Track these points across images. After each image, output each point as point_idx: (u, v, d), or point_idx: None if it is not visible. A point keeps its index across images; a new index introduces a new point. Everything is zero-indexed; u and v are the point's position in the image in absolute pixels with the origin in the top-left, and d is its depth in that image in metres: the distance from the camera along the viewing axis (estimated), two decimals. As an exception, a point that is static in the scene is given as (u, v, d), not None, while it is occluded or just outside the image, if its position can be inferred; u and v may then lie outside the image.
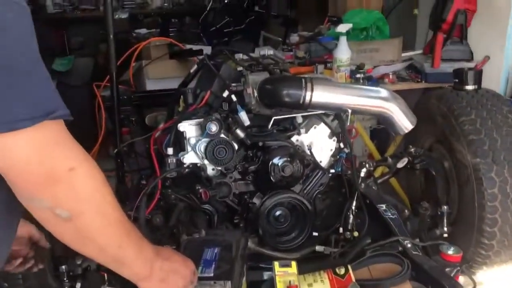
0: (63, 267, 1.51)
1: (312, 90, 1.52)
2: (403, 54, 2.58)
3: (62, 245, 1.70)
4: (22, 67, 0.75)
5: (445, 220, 1.86)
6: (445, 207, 1.86)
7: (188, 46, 3.78)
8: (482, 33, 2.40)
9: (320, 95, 1.54)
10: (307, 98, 1.53)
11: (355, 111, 1.62)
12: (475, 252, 1.75)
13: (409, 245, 1.52)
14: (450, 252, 1.45)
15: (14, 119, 0.73)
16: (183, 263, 1.03)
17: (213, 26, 6.21)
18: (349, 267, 1.39)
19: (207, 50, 3.88)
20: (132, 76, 3.29)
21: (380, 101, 1.60)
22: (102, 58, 5.08)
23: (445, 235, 1.86)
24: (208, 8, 6.30)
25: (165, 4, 6.78)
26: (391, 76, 2.35)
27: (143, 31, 5.30)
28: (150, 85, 3.51)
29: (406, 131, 1.64)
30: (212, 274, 1.09)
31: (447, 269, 1.43)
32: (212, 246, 1.20)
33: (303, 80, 1.54)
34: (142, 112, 2.71)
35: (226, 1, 6.20)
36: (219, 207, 1.70)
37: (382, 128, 2.82)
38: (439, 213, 1.88)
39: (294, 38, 2.91)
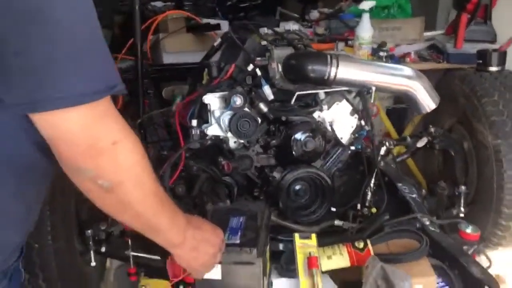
0: (89, 231, 1.56)
1: (337, 66, 1.53)
2: (425, 34, 2.55)
3: (87, 210, 1.76)
4: (91, 42, 0.77)
5: (462, 200, 1.88)
6: (463, 187, 1.88)
7: (205, 20, 3.76)
8: (507, 15, 2.37)
9: (345, 71, 1.54)
10: (332, 74, 1.53)
11: (379, 89, 1.62)
12: (491, 233, 1.77)
13: (427, 223, 1.54)
14: (468, 230, 1.48)
15: (86, 91, 0.75)
16: (213, 232, 1.06)
17: (229, 0, 6.18)
18: (368, 241, 1.42)
19: (225, 24, 3.86)
20: (149, 49, 3.30)
21: (404, 79, 1.60)
22: (118, 30, 5.07)
23: (462, 214, 1.88)
24: (224, -18, 6.25)
25: (181, -23, 6.70)
26: (412, 56, 2.34)
27: (159, 3, 5.26)
28: (167, 59, 3.51)
29: (429, 110, 1.65)
30: (238, 241, 1.12)
31: (464, 247, 1.45)
32: (237, 215, 1.23)
33: (329, 56, 1.54)
34: (159, 85, 2.73)
35: (243, -25, 6.13)
36: (239, 180, 1.73)
37: (398, 108, 2.82)
38: (456, 193, 1.90)
39: (314, 14, 2.89)
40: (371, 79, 1.59)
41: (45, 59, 0.73)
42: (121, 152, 0.83)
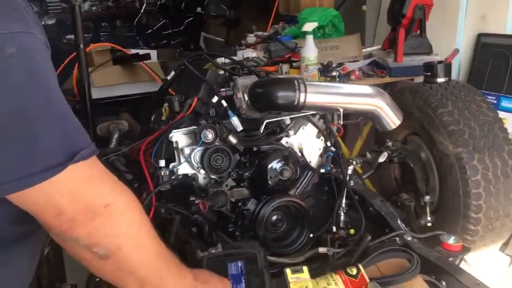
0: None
1: (305, 91, 1.50)
2: (363, 50, 2.63)
3: (46, 273, 1.58)
4: (31, 111, 0.69)
5: (428, 210, 1.93)
6: (427, 197, 1.93)
7: (133, 51, 3.64)
8: (439, 27, 2.50)
9: (313, 96, 1.52)
10: (301, 100, 1.50)
11: (346, 110, 1.61)
12: (461, 238, 1.81)
13: (409, 238, 1.54)
14: (451, 241, 1.50)
15: (29, 173, 0.68)
16: (221, 284, 0.99)
17: (149, 29, 6.05)
18: (361, 266, 1.39)
19: (153, 54, 3.75)
20: (75, 85, 3.12)
21: (369, 98, 1.61)
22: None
23: (429, 224, 1.93)
24: (142, 11, 6.12)
25: (93, 8, 6.49)
26: (357, 73, 2.39)
27: (71, 37, 5.04)
28: (96, 93, 3.33)
29: (395, 127, 1.67)
30: (246, 290, 1.04)
31: (450, 259, 1.47)
32: (234, 260, 1.14)
33: (296, 82, 1.51)
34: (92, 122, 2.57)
35: (160, 3, 6.05)
36: (210, 216, 1.64)
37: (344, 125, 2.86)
38: (422, 203, 1.94)
39: (251, 38, 2.87)
40: (338, 101, 1.58)
41: None
42: (115, 214, 0.75)
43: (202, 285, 0.94)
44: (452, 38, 2.61)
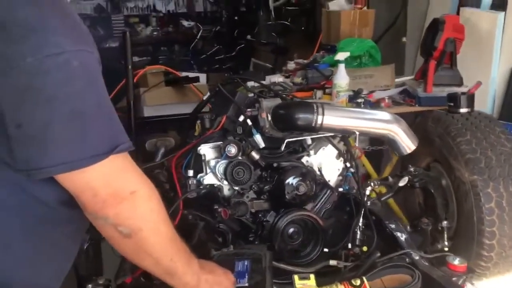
0: (89, 286, 1.58)
1: (323, 114, 1.64)
2: (396, 80, 2.73)
3: (84, 265, 1.78)
4: (86, 111, 0.85)
5: (445, 235, 1.98)
6: (445, 222, 1.99)
7: (184, 74, 3.89)
8: (470, 60, 2.57)
9: (330, 118, 1.66)
10: (319, 122, 1.64)
11: (362, 133, 1.73)
12: (475, 264, 1.86)
13: (416, 257, 1.63)
14: (456, 262, 1.57)
15: (80, 158, 0.84)
16: (224, 276, 1.12)
17: (203, 54, 6.39)
18: (364, 278, 1.49)
19: (202, 77, 4.00)
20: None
21: (385, 123, 1.72)
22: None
23: (446, 248, 1.98)
24: (198, 37, 6.47)
25: (155, 33, 6.90)
26: (386, 100, 2.49)
27: (135, 59, 5.39)
28: (148, 112, 3.59)
29: (410, 151, 1.76)
30: (246, 284, 1.17)
31: (454, 278, 1.54)
32: (242, 259, 1.29)
33: (315, 105, 1.66)
34: (141, 138, 2.80)
35: (215, 30, 6.38)
36: (233, 226, 1.79)
37: (375, 150, 2.95)
38: (439, 228, 2.00)
39: (291, 65, 3.04)
40: (354, 125, 1.70)
41: (42, 131, 0.81)
42: (139, 201, 0.90)
43: (207, 274, 1.08)
44: (487, 70, 2.67)
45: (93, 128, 0.86)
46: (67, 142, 0.83)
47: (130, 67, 2.04)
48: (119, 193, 0.88)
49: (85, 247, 1.77)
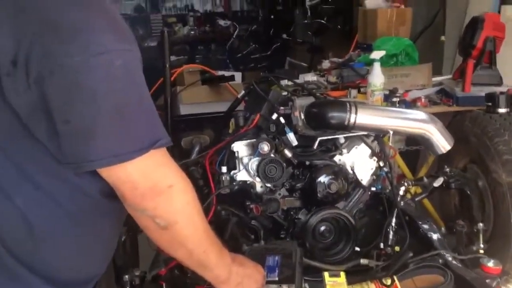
0: (126, 276, 1.64)
1: (356, 113, 1.64)
2: (433, 79, 2.69)
3: (122, 256, 1.84)
4: (129, 107, 0.89)
5: (481, 237, 1.95)
6: (481, 224, 1.95)
7: (220, 73, 3.94)
8: (511, 59, 2.51)
9: (363, 117, 1.65)
10: (352, 121, 1.65)
11: (396, 133, 1.72)
12: (511, 268, 1.82)
13: (450, 258, 1.61)
14: (490, 264, 1.54)
15: (124, 152, 0.88)
16: (255, 269, 1.15)
17: (239, 52, 6.45)
18: (395, 277, 1.48)
19: (238, 76, 4.04)
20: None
21: (419, 123, 1.71)
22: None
23: (482, 251, 1.94)
24: (234, 36, 6.53)
25: (192, 32, 7.01)
26: (423, 100, 2.46)
27: (172, 58, 5.49)
28: (184, 110, 3.66)
29: (445, 151, 1.74)
30: (277, 278, 1.20)
31: (487, 281, 1.51)
32: (272, 254, 1.31)
33: (348, 104, 1.66)
34: (178, 136, 2.86)
35: (251, 29, 6.43)
36: (265, 223, 1.81)
37: (411, 150, 2.91)
38: (475, 230, 1.97)
39: (326, 64, 3.04)
40: (388, 123, 1.70)
41: (89, 126, 0.86)
42: (176, 194, 0.94)
43: (238, 267, 1.11)
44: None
45: (136, 123, 0.90)
46: (111, 137, 0.87)
47: (167, 65, 2.09)
48: (157, 187, 0.92)
49: (122, 239, 1.84)
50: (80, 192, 0.96)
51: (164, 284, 1.59)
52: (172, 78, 3.33)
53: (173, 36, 6.69)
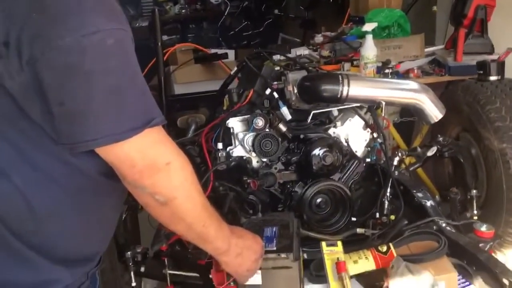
0: (128, 253, 1.67)
1: (348, 85, 1.66)
2: (426, 50, 2.69)
3: (123, 234, 1.87)
4: (123, 86, 0.89)
5: (474, 204, 1.99)
6: (474, 191, 1.98)
7: (213, 51, 3.93)
8: (502, 27, 2.51)
9: (356, 89, 1.67)
10: (344, 93, 1.66)
11: (389, 103, 1.74)
12: (504, 232, 1.87)
13: (444, 225, 1.65)
14: (483, 229, 1.58)
15: (119, 131, 0.89)
16: (254, 240, 1.18)
17: (231, 30, 6.40)
18: (391, 244, 1.52)
19: (231, 53, 4.03)
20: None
21: (411, 93, 1.73)
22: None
23: (475, 217, 1.98)
24: (225, 13, 6.47)
25: (183, 11, 6.92)
26: (416, 71, 2.47)
27: (164, 37, 5.44)
28: (178, 89, 3.66)
29: (437, 120, 1.77)
30: (275, 248, 1.23)
31: (481, 245, 1.56)
32: (270, 225, 1.34)
33: (340, 76, 1.67)
34: (172, 115, 2.87)
35: (243, 6, 6.36)
36: (262, 197, 1.84)
37: (405, 121, 2.94)
38: (468, 197, 2.00)
39: (319, 38, 3.03)
40: (380, 94, 1.72)
41: (83, 107, 0.86)
42: (173, 171, 0.96)
43: (237, 238, 1.14)
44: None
45: (130, 102, 0.90)
46: (106, 117, 0.88)
47: (160, 45, 2.09)
48: (155, 164, 0.94)
49: (123, 217, 1.87)
50: (78, 172, 0.97)
51: (166, 260, 1.62)
52: (165, 58, 3.32)
53: (164, 16, 6.60)
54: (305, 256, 1.58)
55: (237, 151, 1.76)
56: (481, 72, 2.01)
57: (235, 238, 1.13)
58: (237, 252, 1.12)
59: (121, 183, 0.97)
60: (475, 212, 1.98)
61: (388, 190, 1.83)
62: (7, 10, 0.84)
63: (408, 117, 2.73)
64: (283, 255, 1.20)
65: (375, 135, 1.88)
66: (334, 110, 1.83)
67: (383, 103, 1.72)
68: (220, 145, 1.75)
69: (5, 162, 0.94)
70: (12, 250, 0.96)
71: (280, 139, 1.72)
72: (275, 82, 1.79)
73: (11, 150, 0.93)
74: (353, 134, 1.87)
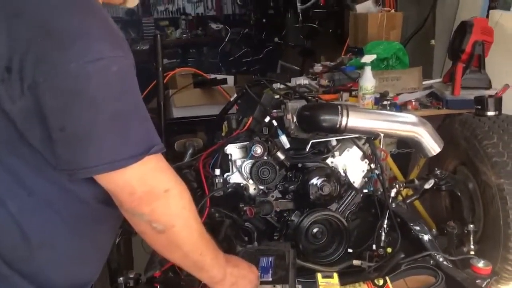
0: (121, 279, 1.64)
1: (348, 116, 1.66)
2: (423, 82, 2.72)
3: (116, 259, 1.84)
4: (125, 113, 0.90)
5: (471, 238, 1.98)
6: (471, 225, 1.98)
7: (212, 76, 3.96)
8: (499, 63, 2.55)
9: (355, 120, 1.68)
10: (343, 123, 1.67)
11: (387, 135, 1.75)
12: (501, 268, 1.85)
13: (441, 259, 1.63)
14: (480, 265, 1.56)
15: (120, 158, 0.89)
16: (249, 269, 1.16)
17: (231, 56, 6.48)
18: (387, 278, 1.50)
19: (230, 79, 4.06)
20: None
21: (410, 126, 1.73)
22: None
23: (472, 252, 1.97)
24: (226, 39, 6.56)
25: (184, 36, 7.02)
26: (413, 103, 2.49)
27: (164, 61, 5.47)
28: (177, 113, 3.68)
29: (435, 153, 1.77)
30: (270, 279, 1.21)
31: (478, 281, 1.54)
32: (266, 255, 1.32)
33: (339, 107, 1.68)
34: (171, 139, 2.87)
35: (243, 32, 6.45)
36: (259, 225, 1.83)
37: (402, 153, 2.95)
38: (465, 231, 1.99)
39: (318, 67, 3.07)
40: (379, 126, 1.72)
41: (85, 132, 0.86)
42: (172, 198, 0.95)
43: (233, 267, 1.13)
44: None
45: (132, 130, 0.91)
46: (108, 144, 0.88)
47: (160, 69, 2.10)
48: (154, 192, 0.93)
49: (116, 242, 1.84)
50: (75, 198, 0.97)
51: (158, 286, 1.60)
52: (165, 81, 3.34)
53: (165, 40, 6.68)
54: (300, 287, 1.57)
55: (235, 178, 1.76)
56: (479, 107, 2.03)
57: (230, 267, 1.12)
58: (232, 281, 1.11)
59: (118, 210, 0.96)
60: (472, 247, 1.97)
61: (385, 222, 1.82)
62: (13, 34, 0.85)
63: (406, 148, 2.74)
64: (278, 286, 1.18)
65: (372, 166, 1.88)
66: (333, 140, 1.83)
67: (382, 134, 1.73)
68: (217, 171, 1.74)
69: (1, 189, 0.93)
70: (2, 277, 0.94)
71: (278, 167, 1.71)
72: (275, 110, 1.80)
73: (8, 176, 0.92)
74: (351, 164, 1.86)
